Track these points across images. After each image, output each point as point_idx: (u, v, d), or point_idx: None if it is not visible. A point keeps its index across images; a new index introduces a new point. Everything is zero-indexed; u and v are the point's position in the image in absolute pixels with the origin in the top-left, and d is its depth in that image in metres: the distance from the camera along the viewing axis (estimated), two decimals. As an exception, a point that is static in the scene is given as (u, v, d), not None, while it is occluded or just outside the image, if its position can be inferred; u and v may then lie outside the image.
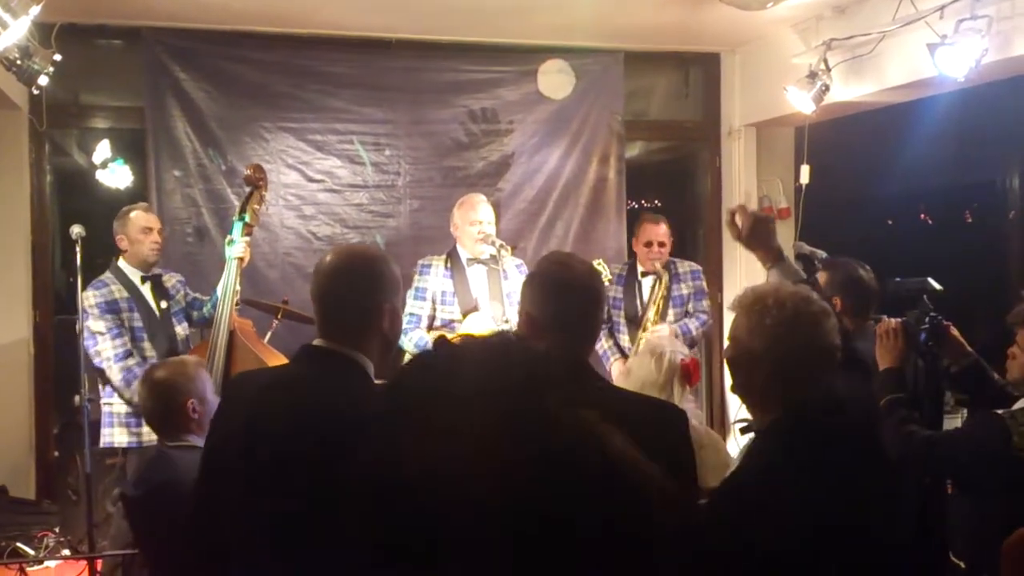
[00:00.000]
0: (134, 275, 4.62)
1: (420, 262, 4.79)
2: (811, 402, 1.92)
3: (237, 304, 4.53)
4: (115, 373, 4.42)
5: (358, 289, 2.08)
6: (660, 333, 4.78)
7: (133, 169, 5.81)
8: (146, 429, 4.44)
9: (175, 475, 2.67)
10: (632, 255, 5.63)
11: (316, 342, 2.08)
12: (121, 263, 4.64)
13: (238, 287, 4.48)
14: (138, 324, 4.54)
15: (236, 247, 4.45)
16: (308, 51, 6.03)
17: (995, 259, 8.12)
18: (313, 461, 1.83)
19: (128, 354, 4.45)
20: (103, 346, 4.43)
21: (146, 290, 4.63)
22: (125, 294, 4.55)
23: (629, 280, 5.45)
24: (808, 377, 1.96)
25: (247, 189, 4.60)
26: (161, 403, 3.10)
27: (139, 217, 4.64)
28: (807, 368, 1.96)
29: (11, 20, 3.81)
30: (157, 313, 4.60)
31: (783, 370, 1.94)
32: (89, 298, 4.46)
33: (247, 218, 4.51)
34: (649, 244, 5.35)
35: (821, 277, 3.49)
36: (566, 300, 2.09)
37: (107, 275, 4.62)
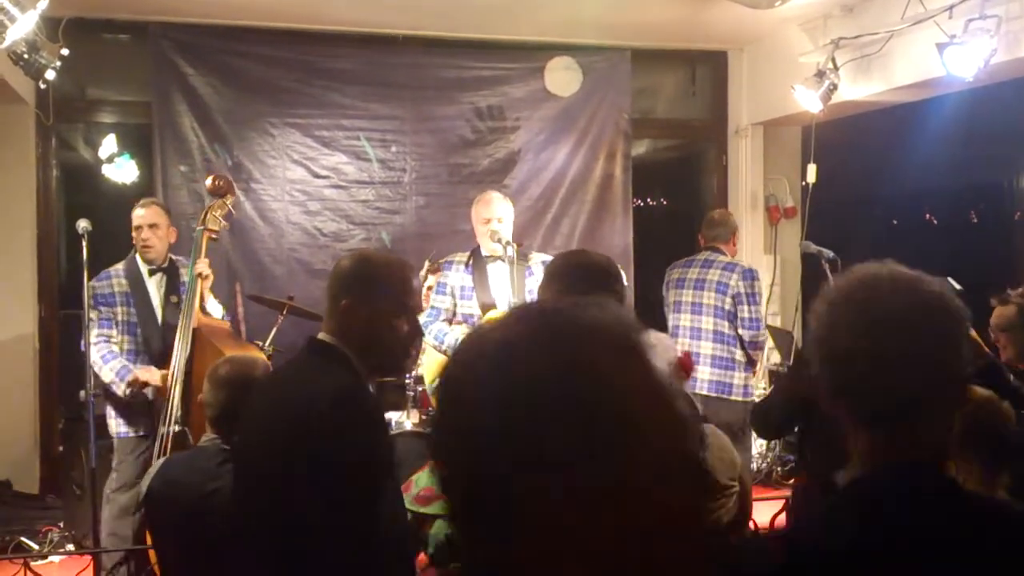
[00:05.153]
0: (143, 268, 4.59)
1: (443, 260, 4.81)
2: None
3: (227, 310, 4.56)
4: (94, 355, 4.40)
5: (339, 288, 2.18)
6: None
7: (139, 164, 5.80)
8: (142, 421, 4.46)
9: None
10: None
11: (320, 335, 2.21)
12: (136, 254, 4.61)
13: (206, 304, 4.45)
14: (133, 319, 4.52)
15: (198, 264, 4.42)
16: (315, 47, 6.03)
17: (1001, 260, 8.10)
18: (283, 449, 1.98)
19: (106, 341, 4.44)
20: (92, 333, 4.44)
21: (152, 283, 4.58)
22: (125, 288, 4.53)
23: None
24: None
25: (211, 199, 4.60)
26: (227, 399, 2.89)
27: (134, 215, 4.57)
28: None
29: (19, 14, 3.81)
30: (159, 308, 4.55)
31: None
32: (89, 288, 4.47)
33: (209, 224, 4.51)
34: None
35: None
36: (587, 276, 2.38)
37: (117, 266, 4.61)
